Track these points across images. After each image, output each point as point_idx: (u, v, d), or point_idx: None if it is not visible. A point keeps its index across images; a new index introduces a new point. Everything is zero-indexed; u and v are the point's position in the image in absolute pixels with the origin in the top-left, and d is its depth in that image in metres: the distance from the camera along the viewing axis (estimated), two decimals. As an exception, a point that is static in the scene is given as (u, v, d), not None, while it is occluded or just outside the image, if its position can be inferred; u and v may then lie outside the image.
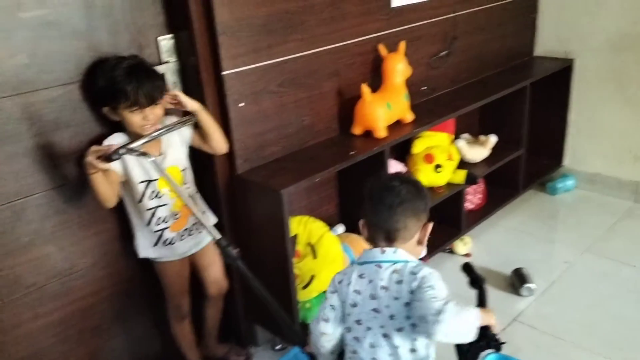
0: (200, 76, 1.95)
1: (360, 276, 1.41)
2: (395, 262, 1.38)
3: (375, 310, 1.37)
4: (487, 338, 1.38)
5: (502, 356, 1.46)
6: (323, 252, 2.23)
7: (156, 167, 1.68)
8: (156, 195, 1.84)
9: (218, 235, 1.64)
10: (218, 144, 1.93)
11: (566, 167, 3.57)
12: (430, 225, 1.46)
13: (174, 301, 2.06)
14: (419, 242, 1.45)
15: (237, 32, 1.97)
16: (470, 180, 2.80)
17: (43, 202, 1.78)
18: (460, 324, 1.26)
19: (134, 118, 1.73)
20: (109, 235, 1.96)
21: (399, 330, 1.35)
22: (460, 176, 2.79)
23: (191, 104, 1.82)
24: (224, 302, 2.21)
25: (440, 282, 1.32)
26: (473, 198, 3.07)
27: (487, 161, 3.03)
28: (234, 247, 1.64)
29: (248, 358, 2.35)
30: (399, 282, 1.34)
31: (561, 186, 3.48)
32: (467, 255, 2.92)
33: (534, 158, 3.37)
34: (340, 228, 2.47)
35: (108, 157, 1.62)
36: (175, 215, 1.90)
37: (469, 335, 1.28)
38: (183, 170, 1.91)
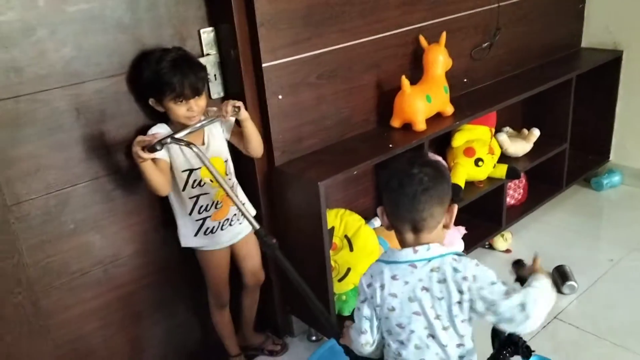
0: (240, 69, 1.97)
1: (393, 277, 1.33)
2: (430, 260, 1.31)
3: (416, 313, 1.32)
4: (515, 344, 1.33)
5: (539, 357, 1.42)
6: (360, 245, 2.22)
7: (201, 157, 1.70)
8: (199, 184, 1.87)
9: (257, 226, 1.66)
10: (256, 148, 1.95)
11: (612, 163, 3.45)
12: (455, 207, 1.37)
13: (214, 290, 2.09)
14: (445, 226, 1.37)
15: (277, 24, 1.98)
16: (512, 174, 2.74)
17: (88, 191, 1.83)
18: (544, 304, 1.25)
19: (179, 109, 1.76)
20: (152, 224, 2.01)
21: (446, 328, 1.31)
22: (502, 171, 2.74)
23: (244, 113, 1.84)
24: (261, 293, 2.24)
25: (489, 272, 1.29)
26: (514, 193, 3.00)
27: (529, 155, 2.97)
28: (272, 237, 1.66)
29: (284, 348, 2.37)
30: (442, 281, 1.29)
31: (607, 182, 3.37)
32: (507, 251, 2.87)
33: (578, 153, 3.27)
34: (377, 221, 2.46)
35: (152, 148, 1.65)
36: (217, 204, 1.93)
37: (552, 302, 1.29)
38: (225, 161, 1.94)
